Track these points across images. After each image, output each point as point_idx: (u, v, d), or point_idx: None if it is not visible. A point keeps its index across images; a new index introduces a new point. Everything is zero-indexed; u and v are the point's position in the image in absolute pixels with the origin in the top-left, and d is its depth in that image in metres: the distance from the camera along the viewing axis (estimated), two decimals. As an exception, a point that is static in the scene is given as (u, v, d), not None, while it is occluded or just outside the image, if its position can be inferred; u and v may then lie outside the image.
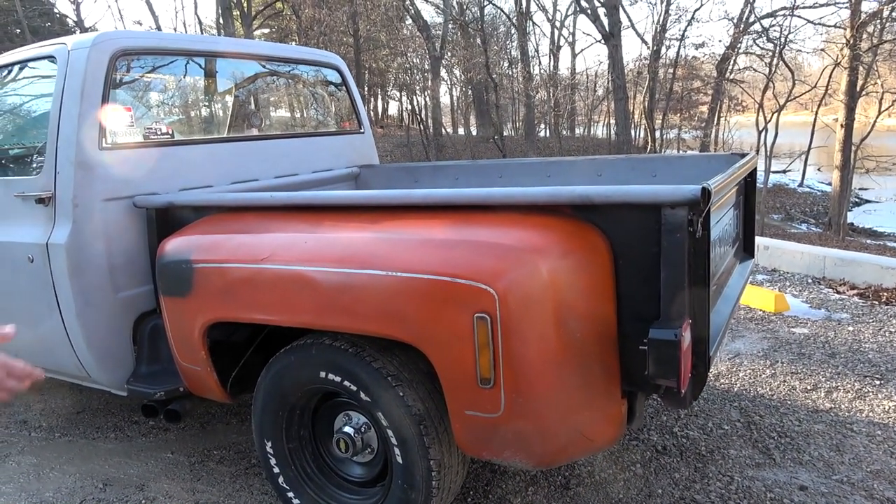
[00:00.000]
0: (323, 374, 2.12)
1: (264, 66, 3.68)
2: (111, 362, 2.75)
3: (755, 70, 20.52)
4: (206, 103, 3.53)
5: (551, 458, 1.87)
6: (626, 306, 1.87)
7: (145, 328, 2.79)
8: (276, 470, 2.34)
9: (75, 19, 23.22)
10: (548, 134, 30.53)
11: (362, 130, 4.14)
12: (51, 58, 2.76)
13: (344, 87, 4.06)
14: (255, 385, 2.54)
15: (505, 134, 25.33)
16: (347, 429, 2.24)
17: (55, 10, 24.61)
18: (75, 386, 3.01)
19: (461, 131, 33.58)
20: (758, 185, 3.12)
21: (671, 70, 22.77)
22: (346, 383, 2.08)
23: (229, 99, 3.62)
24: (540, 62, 31.20)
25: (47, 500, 2.65)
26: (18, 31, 21.82)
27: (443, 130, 26.56)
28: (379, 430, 2.19)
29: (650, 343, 1.71)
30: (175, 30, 26.05)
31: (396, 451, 2.05)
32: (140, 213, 2.78)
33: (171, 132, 3.04)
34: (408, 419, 2.00)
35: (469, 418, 1.84)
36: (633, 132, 24.67)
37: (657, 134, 21.00)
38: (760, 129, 17.78)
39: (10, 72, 3.04)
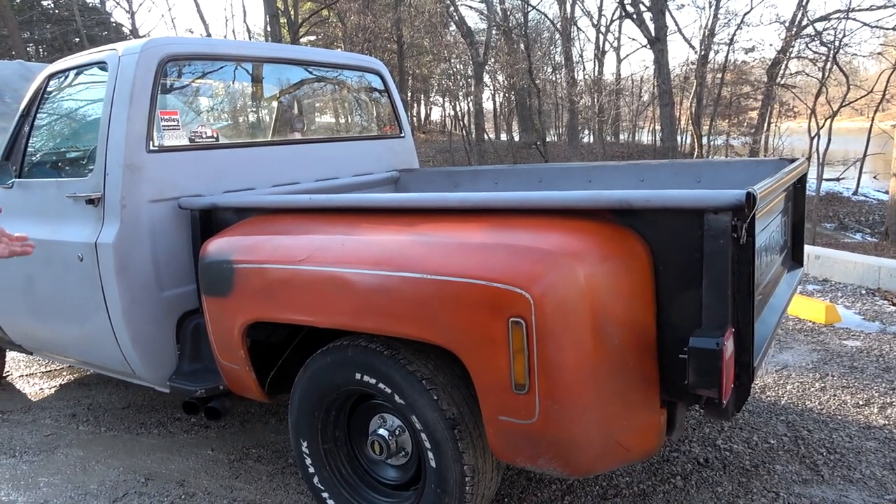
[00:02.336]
0: (358, 376, 2.13)
1: (308, 72, 3.73)
2: (155, 360, 2.82)
3: (808, 75, 19.93)
4: (251, 108, 3.60)
5: (586, 467, 1.84)
6: (666, 313, 1.82)
7: (188, 327, 2.85)
8: (312, 470, 2.35)
9: (130, 28, 24.02)
10: (591, 140, 30.21)
11: (403, 135, 4.16)
12: (102, 63, 2.85)
13: (385, 92, 4.09)
14: (292, 385, 2.58)
15: (548, 140, 25.17)
16: (382, 431, 2.24)
17: (112, 20, 25.51)
18: (122, 382, 3.10)
19: (503, 137, 33.50)
20: (809, 192, 3.01)
21: (719, 75, 22.29)
22: (381, 385, 2.08)
23: (273, 103, 3.68)
24: (584, 67, 30.89)
25: (91, 493, 2.73)
26: (77, 39, 22.70)
27: (485, 136, 26.55)
28: (413, 434, 2.18)
29: (690, 352, 1.67)
30: (224, 37, 26.70)
31: (430, 454, 2.04)
32: (185, 214, 2.84)
33: (216, 136, 3.10)
34: (442, 423, 1.99)
35: (503, 424, 1.82)
36: (679, 138, 24.25)
37: (704, 140, 20.57)
38: (813, 135, 17.26)
39: (65, 77, 3.15)
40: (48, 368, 4.26)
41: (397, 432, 2.23)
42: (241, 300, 2.30)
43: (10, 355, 4.23)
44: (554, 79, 29.97)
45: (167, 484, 2.77)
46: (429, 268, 1.84)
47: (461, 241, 1.87)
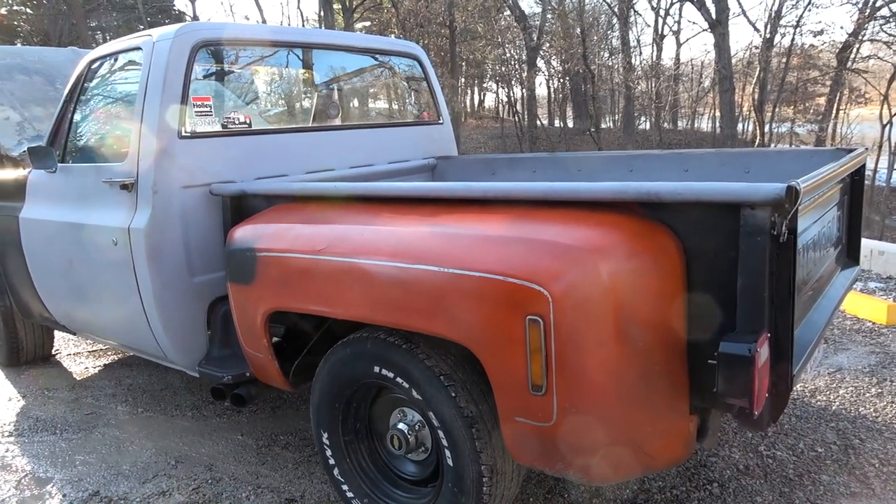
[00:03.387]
0: (377, 369, 2.08)
1: (344, 57, 3.69)
2: (185, 344, 2.84)
3: (881, 59, 18.86)
4: (285, 93, 3.58)
5: (606, 474, 1.74)
6: (697, 315, 1.70)
7: (218, 313, 2.86)
8: (332, 461, 2.33)
9: (192, 15, 24.59)
10: (648, 127, 29.42)
11: (441, 121, 4.08)
12: (138, 49, 2.86)
13: (424, 78, 4.01)
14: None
15: (602, 127, 24.63)
16: (401, 426, 2.19)
17: (174, 8, 26.16)
18: (161, 364, 3.15)
19: (557, 123, 32.98)
20: (879, 183, 2.79)
21: (785, 59, 21.32)
22: (399, 380, 2.03)
23: (308, 89, 3.65)
24: (641, 52, 30.03)
25: (123, 473, 2.78)
26: (141, 27, 23.38)
27: (538, 122, 26.18)
28: (432, 430, 2.13)
29: (720, 358, 1.55)
30: (280, 24, 27.04)
31: (447, 453, 1.98)
32: (216, 200, 2.84)
33: (248, 121, 3.09)
34: (459, 421, 1.92)
35: (519, 425, 1.75)
36: (740, 126, 23.37)
37: (767, 128, 19.74)
38: (885, 122, 16.36)
39: (105, 63, 3.19)
40: (94, 348, 4.39)
41: (417, 427, 2.18)
42: (262, 288, 2.28)
43: (60, 333, 4.37)
44: (610, 64, 29.27)
45: (195, 468, 2.80)
46: (445, 261, 1.77)
47: (480, 233, 1.79)
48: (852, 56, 19.49)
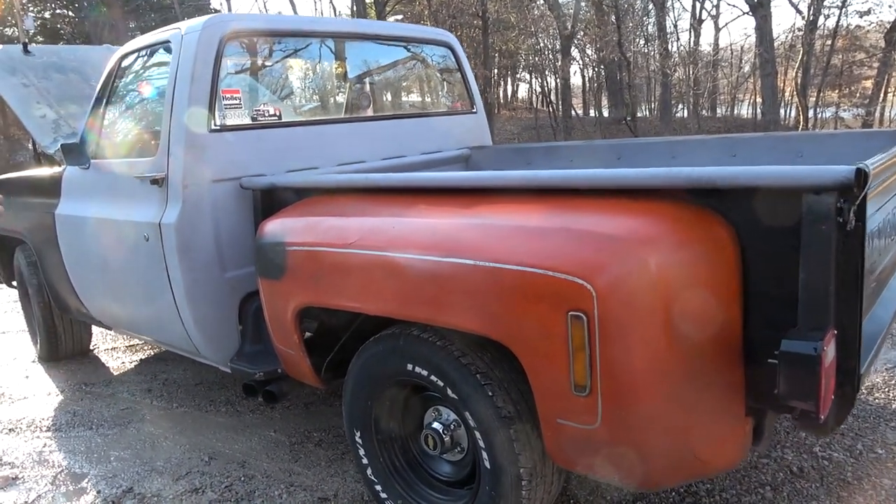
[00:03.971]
0: (410, 367, 2.00)
1: (375, 46, 3.61)
2: (217, 340, 2.80)
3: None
4: (315, 84, 3.52)
5: (654, 480, 1.63)
6: (754, 310, 1.58)
7: (250, 308, 2.82)
8: (365, 461, 2.26)
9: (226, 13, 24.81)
10: (686, 115, 28.75)
11: (475, 110, 3.98)
12: (167, 43, 2.83)
13: (457, 66, 3.91)
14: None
15: (639, 115, 24.14)
16: (436, 425, 2.11)
17: (210, 6, 26.46)
18: (194, 360, 3.14)
19: (592, 113, 32.48)
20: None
21: (829, 42, 20.59)
22: (434, 378, 1.95)
23: (339, 81, 3.59)
24: (678, 38, 29.32)
25: (157, 469, 2.76)
26: (177, 25, 23.67)
27: (573, 112, 25.80)
28: (468, 430, 2.04)
29: (782, 357, 1.42)
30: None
31: (484, 454, 1.89)
32: (247, 194, 2.79)
33: (278, 114, 3.04)
34: (497, 422, 1.83)
35: (561, 427, 1.65)
36: (782, 111, 22.67)
37: (811, 113, 19.09)
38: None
39: (136, 58, 3.17)
40: (131, 343, 4.42)
41: (452, 426, 2.10)
42: (293, 284, 2.22)
43: (98, 329, 4.40)
44: (647, 51, 28.68)
45: (229, 464, 2.76)
46: (481, 254, 1.68)
47: (518, 224, 1.69)
48: (902, 37, 18.70)
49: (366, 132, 3.34)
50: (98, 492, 2.63)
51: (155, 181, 2.76)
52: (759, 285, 1.57)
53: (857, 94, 22.60)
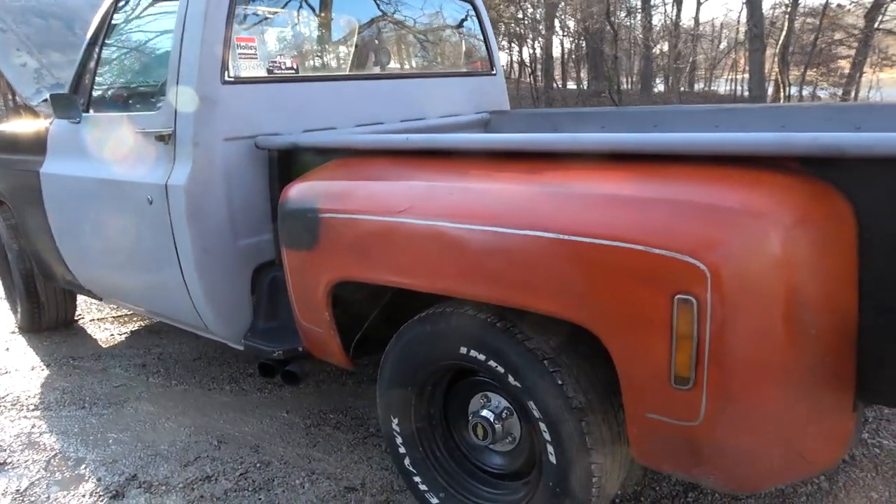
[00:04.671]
0: (464, 350, 1.80)
1: (395, 1, 3.34)
2: (228, 314, 2.57)
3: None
4: (331, 37, 3.24)
5: (757, 482, 1.47)
6: (872, 295, 1.41)
7: (264, 280, 2.59)
8: (403, 450, 2.07)
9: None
10: (664, 89, 28.65)
11: (494, 72, 3.75)
12: (173, -17, 2.53)
13: (478, 23, 3.66)
14: (375, 349, 2.29)
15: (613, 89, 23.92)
16: (485, 413, 1.92)
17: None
18: (193, 333, 2.90)
19: (571, 85, 32.15)
20: None
21: (809, 20, 20.61)
22: (491, 363, 1.75)
23: (355, 34, 3.31)
24: (666, 10, 29.00)
25: (162, 454, 2.54)
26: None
27: (554, 84, 25.50)
28: (525, 419, 1.86)
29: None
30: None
31: (549, 448, 1.71)
32: (262, 154, 2.55)
33: (295, 67, 2.77)
34: (567, 413, 1.65)
35: (652, 423, 1.47)
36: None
37: (789, 90, 19.08)
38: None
39: (136, 4, 2.86)
40: (119, 313, 4.14)
41: (504, 415, 1.91)
42: (327, 255, 2.00)
43: (83, 297, 4.11)
44: (629, 23, 28.41)
45: (241, 449, 2.55)
46: (566, 226, 1.47)
47: (608, 193, 1.48)
48: (881, 17, 18.72)
49: (384, 91, 3.09)
50: (98, 479, 2.40)
51: (161, 137, 2.49)
52: (879, 268, 1.40)
53: (836, 73, 22.69)
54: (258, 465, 2.44)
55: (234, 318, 2.59)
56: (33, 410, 2.94)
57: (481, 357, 1.77)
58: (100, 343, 3.70)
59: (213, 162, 2.44)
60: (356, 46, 3.33)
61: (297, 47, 2.97)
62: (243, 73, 2.55)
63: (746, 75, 25.19)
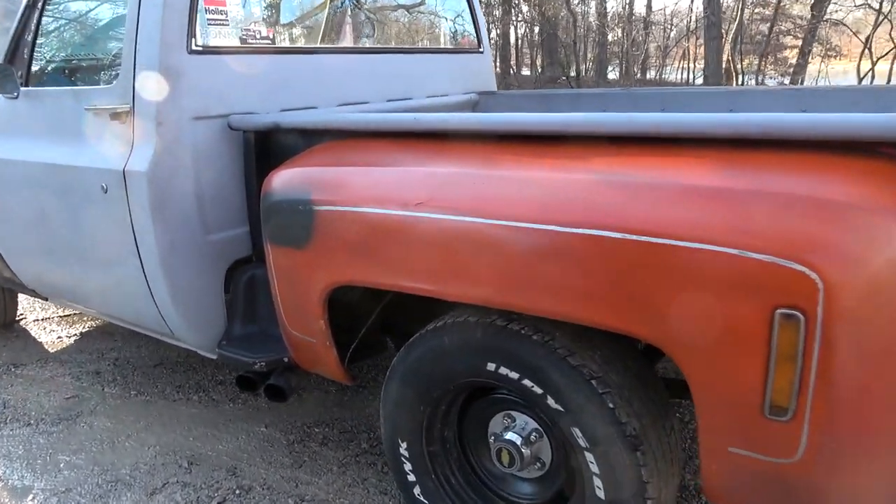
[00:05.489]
0: (491, 367, 1.54)
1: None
2: (199, 320, 2.25)
3: (868, 5, 18.41)
4: (309, 4, 2.91)
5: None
6: None
7: (240, 279, 2.28)
8: (412, 478, 1.80)
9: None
10: (618, 76, 28.74)
11: (481, 49, 3.47)
12: (128, -67, 2.16)
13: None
14: (365, 355, 2.03)
15: (572, 75, 23.83)
16: (511, 436, 1.67)
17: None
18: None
19: (525, 71, 31.99)
20: None
21: (757, 10, 20.95)
22: (527, 383, 1.50)
23: (333, 1, 2.98)
24: (616, -1, 29.06)
25: (123, 480, 2.21)
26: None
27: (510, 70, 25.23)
28: (556, 441, 1.62)
29: None
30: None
31: (597, 482, 1.47)
32: (235, 136, 2.23)
33: (271, 37, 2.44)
34: (619, 441, 1.41)
35: (736, 459, 1.24)
36: (702, 78, 22.96)
37: (741, 79, 19.33)
38: (862, 75, 16.13)
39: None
40: (67, 312, 3.73)
41: (532, 438, 1.67)
42: (323, 254, 1.70)
43: (24, 296, 3.69)
44: (581, 9, 28.35)
45: (215, 472, 2.24)
46: (636, 224, 1.22)
47: (688, 184, 1.23)
48: (825, 8, 19.12)
49: (369, 67, 2.78)
50: (48, 513, 2.07)
51: (116, 115, 2.14)
52: None
53: (785, 63, 23.12)
54: (237, 490, 2.14)
55: (205, 323, 2.27)
56: (-32, 429, 2.56)
57: (513, 375, 1.52)
58: (46, 347, 3.30)
59: (180, 144, 2.10)
60: (334, 15, 3.01)
61: (271, 15, 2.63)
62: (213, 42, 2.21)
63: (697, 64, 25.51)
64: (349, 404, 2.66)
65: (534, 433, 1.66)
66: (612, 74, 28.62)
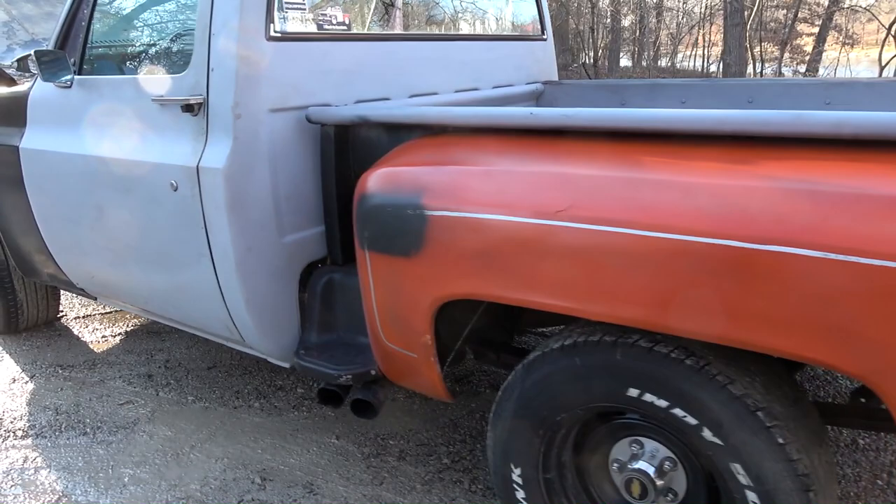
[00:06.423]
0: (633, 393, 1.39)
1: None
2: (273, 326, 2.11)
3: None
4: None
5: None
6: None
7: (316, 283, 2.13)
8: (525, 507, 1.66)
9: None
10: (630, 64, 28.37)
11: (545, 37, 3.29)
12: None
13: (529, -21, 3.19)
14: (451, 363, 1.88)
15: (582, 63, 23.49)
16: (642, 465, 1.52)
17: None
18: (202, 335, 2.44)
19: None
20: None
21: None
22: (678, 412, 1.35)
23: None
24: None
25: (195, 497, 2.08)
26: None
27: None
28: (695, 474, 1.47)
29: None
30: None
31: (759, 523, 1.32)
32: (312, 130, 2.07)
33: (347, 22, 2.28)
34: (790, 481, 1.26)
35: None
36: (715, 67, 22.70)
37: (757, 67, 19.03)
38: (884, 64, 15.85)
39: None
40: (108, 310, 3.59)
41: (665, 467, 1.52)
42: (437, 264, 1.55)
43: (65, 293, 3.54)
44: (592, -5, 28.03)
45: (292, 489, 2.11)
46: (837, 240, 1.06)
47: (908, 197, 1.07)
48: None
49: (437, 55, 2.62)
50: (120, 535, 1.93)
51: (188, 107, 1.97)
52: None
53: (799, 51, 22.81)
54: (318, 510, 2.01)
55: (279, 329, 2.12)
56: (23, 438, 2.42)
57: (661, 403, 1.36)
58: (91, 347, 3.17)
59: (258, 138, 1.95)
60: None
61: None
62: (290, 28, 2.05)
63: (710, 51, 25.21)
64: (419, 413, 2.52)
65: (667, 462, 1.52)
66: (624, 61, 28.22)
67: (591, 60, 20.92)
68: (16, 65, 2.87)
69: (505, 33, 3.23)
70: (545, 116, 1.55)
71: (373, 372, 1.94)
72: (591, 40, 21.64)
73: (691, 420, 1.34)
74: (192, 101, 1.96)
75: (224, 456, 2.28)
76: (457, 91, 2.69)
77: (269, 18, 1.94)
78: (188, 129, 2.01)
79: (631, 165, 1.35)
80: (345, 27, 2.26)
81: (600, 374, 1.43)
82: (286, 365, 2.17)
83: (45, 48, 2.38)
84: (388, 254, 1.65)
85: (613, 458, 1.59)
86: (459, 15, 3.33)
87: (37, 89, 2.52)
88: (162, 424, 2.49)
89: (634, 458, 1.55)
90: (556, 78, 3.37)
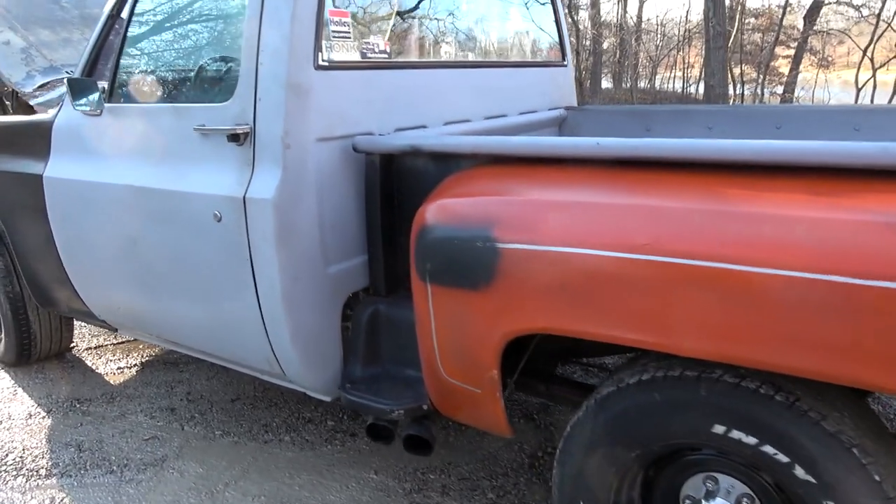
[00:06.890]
0: (719, 430, 1.36)
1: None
2: (318, 358, 2.06)
3: (861, 15, 18.53)
4: (415, 14, 2.72)
5: None
6: None
7: (362, 315, 2.08)
8: (593, 547, 1.61)
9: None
10: (612, 86, 28.78)
11: (565, 63, 3.31)
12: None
13: (550, 5, 3.21)
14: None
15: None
16: (719, 502, 1.49)
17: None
18: (223, 365, 2.36)
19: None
20: None
21: (748, 20, 21.19)
22: (768, 450, 1.32)
23: (436, 11, 2.80)
24: (618, 4, 29.17)
25: (237, 539, 2.00)
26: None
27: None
28: (784, 513, 1.44)
29: None
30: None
31: (855, 563, 1.29)
32: (357, 159, 2.04)
33: (388, 50, 2.26)
34: (888, 520, 1.24)
35: None
36: (694, 87, 23.11)
37: (737, 90, 19.42)
38: (860, 86, 16.19)
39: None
40: (119, 340, 3.50)
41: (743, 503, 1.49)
42: (509, 298, 1.52)
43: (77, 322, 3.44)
44: (573, 18, 28.51)
45: (336, 528, 2.04)
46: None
47: None
48: (819, 17, 19.29)
49: (470, 82, 2.62)
50: (163, 581, 1.85)
51: (234, 137, 1.94)
52: None
53: (775, 73, 23.31)
54: (366, 551, 1.94)
55: (322, 362, 2.08)
56: (46, 477, 2.33)
57: (749, 440, 1.34)
58: (107, 379, 3.07)
59: (305, 168, 1.92)
60: (439, 30, 2.82)
61: (383, 26, 2.44)
62: (335, 57, 2.03)
63: (688, 72, 25.65)
64: (457, 446, 2.47)
65: (745, 498, 1.49)
66: (605, 83, 28.61)
67: (577, 83, 21.19)
68: (38, 93, 2.81)
69: (528, 59, 3.24)
70: (613, 147, 1.54)
71: (424, 406, 1.90)
72: (575, 63, 21.93)
73: (783, 458, 1.31)
74: (238, 131, 1.93)
75: (261, 494, 2.21)
76: (486, 118, 2.69)
77: (318, 47, 1.92)
78: (232, 159, 1.97)
79: (713, 198, 1.33)
80: (386, 55, 2.24)
81: (683, 411, 1.41)
82: (328, 398, 2.12)
83: (76, 77, 2.34)
84: (452, 287, 1.61)
85: (686, 495, 1.56)
86: (483, 42, 3.33)
87: (62, 117, 2.47)
88: (191, 461, 2.41)
89: (710, 494, 1.52)
90: (575, 103, 3.38)
